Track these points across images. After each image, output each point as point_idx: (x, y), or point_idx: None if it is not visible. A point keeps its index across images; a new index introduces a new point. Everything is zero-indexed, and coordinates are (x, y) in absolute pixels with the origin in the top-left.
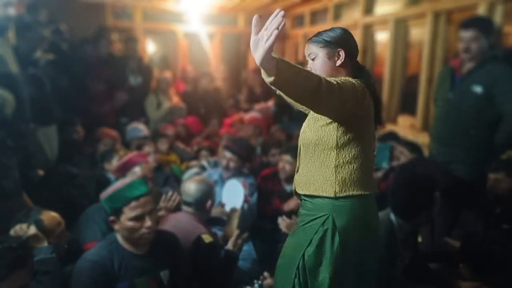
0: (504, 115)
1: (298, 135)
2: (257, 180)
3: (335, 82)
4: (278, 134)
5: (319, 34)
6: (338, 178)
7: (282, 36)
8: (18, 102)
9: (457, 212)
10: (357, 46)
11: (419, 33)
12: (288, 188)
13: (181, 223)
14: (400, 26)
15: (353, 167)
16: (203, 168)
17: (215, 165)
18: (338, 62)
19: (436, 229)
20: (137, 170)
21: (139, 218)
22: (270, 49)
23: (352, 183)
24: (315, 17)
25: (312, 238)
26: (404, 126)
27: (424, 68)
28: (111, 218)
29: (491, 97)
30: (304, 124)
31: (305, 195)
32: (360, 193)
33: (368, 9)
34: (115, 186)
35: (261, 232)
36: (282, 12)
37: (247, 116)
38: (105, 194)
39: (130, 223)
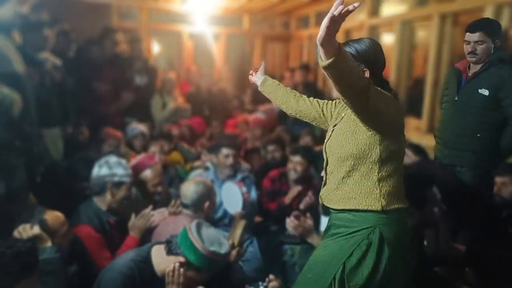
0: (510, 118)
1: (303, 136)
2: (264, 181)
3: (376, 89)
4: (282, 135)
5: (347, 43)
6: (383, 191)
7: (286, 38)
8: (24, 103)
9: (463, 216)
10: (385, 60)
11: (425, 35)
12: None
13: (178, 226)
14: (406, 28)
15: (395, 180)
16: (207, 169)
17: None
18: None
19: (441, 232)
20: (148, 172)
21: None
22: (327, 28)
23: (395, 196)
24: (320, 18)
25: (353, 250)
26: (410, 128)
27: (430, 70)
28: (182, 260)
29: (497, 99)
30: (334, 137)
31: (343, 210)
32: (403, 206)
33: (374, 10)
34: (211, 251)
35: (266, 234)
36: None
37: (251, 117)
38: (198, 243)
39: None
